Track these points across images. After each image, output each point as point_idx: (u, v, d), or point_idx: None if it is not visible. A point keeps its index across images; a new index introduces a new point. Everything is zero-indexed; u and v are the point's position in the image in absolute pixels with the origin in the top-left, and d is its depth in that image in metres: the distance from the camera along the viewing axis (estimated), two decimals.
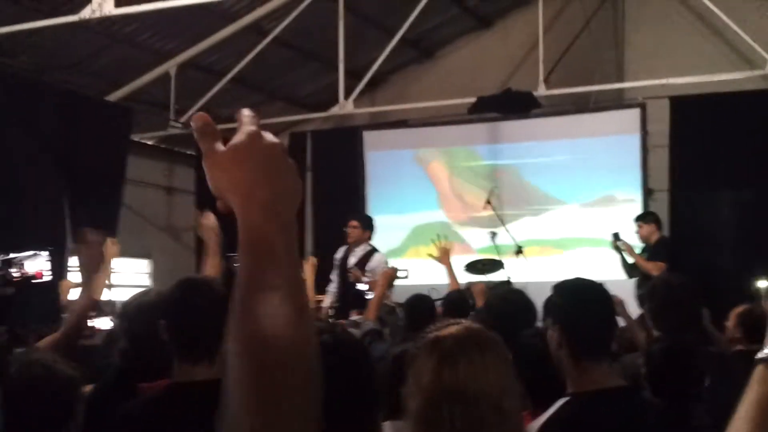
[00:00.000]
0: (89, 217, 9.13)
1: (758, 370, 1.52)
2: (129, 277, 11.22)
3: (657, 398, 3.36)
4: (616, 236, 8.83)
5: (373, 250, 8.65)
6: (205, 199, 8.14)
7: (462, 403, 1.88)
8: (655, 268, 8.14)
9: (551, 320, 2.88)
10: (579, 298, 2.85)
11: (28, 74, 9.27)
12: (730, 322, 5.34)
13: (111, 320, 5.24)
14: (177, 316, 2.79)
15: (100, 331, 5.28)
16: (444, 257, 6.12)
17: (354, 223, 8.72)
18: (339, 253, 8.73)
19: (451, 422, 1.86)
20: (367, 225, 8.82)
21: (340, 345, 1.54)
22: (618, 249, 8.82)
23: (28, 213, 8.59)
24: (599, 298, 2.86)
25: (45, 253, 4.12)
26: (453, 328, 2.02)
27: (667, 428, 2.82)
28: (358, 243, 8.63)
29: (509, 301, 4.07)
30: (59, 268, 8.85)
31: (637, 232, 8.91)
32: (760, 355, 1.53)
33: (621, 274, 8.66)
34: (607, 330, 2.87)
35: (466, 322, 2.09)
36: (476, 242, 10.41)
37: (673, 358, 3.39)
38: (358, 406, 1.52)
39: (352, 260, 8.54)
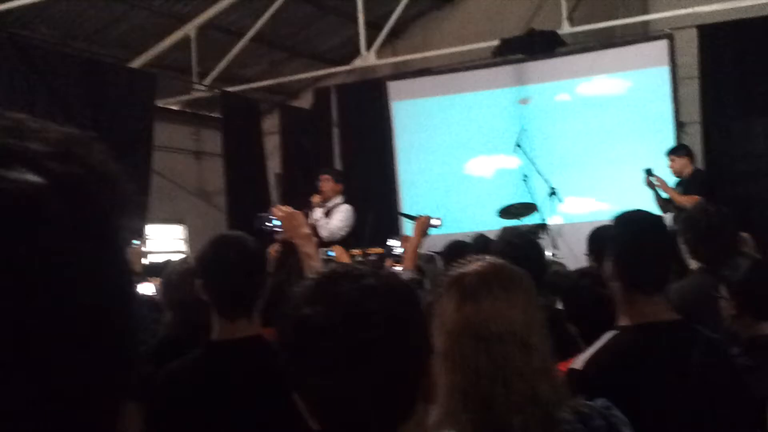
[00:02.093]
0: None
1: None
2: (164, 243, 11.29)
3: (741, 319, 3.29)
4: (648, 171, 8.68)
5: (341, 203, 8.58)
6: (233, 161, 8.12)
7: (486, 340, 1.84)
8: (690, 202, 8.02)
9: (607, 252, 2.81)
10: (634, 230, 2.76)
11: (50, 45, 9.24)
12: None
13: (153, 285, 5.26)
14: (212, 274, 2.76)
15: (144, 296, 5.30)
16: (419, 231, 5.41)
17: (326, 177, 8.65)
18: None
19: (475, 359, 1.83)
20: (339, 178, 8.77)
21: (386, 287, 1.47)
22: (651, 185, 8.68)
23: None
24: (655, 230, 2.78)
25: None
26: (476, 264, 1.98)
27: (718, 359, 2.74)
28: (330, 197, 8.57)
29: (514, 245, 3.93)
30: None
31: (670, 166, 8.77)
32: None
33: (655, 210, 8.54)
34: (661, 264, 2.76)
35: (490, 259, 2.04)
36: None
37: (756, 279, 3.31)
38: (408, 353, 1.45)
39: (318, 214, 8.48)
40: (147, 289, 5.29)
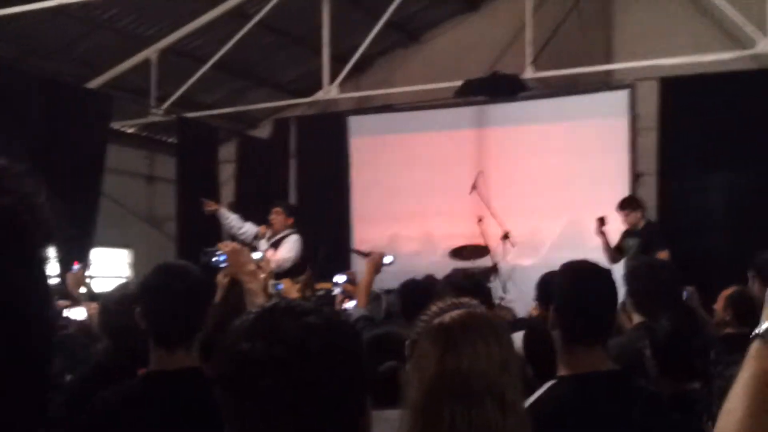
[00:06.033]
0: (67, 208, 8.94)
1: (754, 346, 1.47)
2: (109, 267, 11.06)
3: (664, 379, 3.29)
4: (601, 221, 8.70)
5: (290, 234, 8.61)
6: (186, 188, 8.00)
7: (465, 400, 1.81)
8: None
9: (552, 301, 2.81)
10: (576, 280, 2.76)
11: (7, 61, 9.09)
12: (719, 305, 5.25)
13: (84, 311, 5.11)
14: (154, 302, 2.71)
15: (74, 321, 5.15)
16: (371, 269, 5.34)
17: (277, 209, 8.68)
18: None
19: (452, 418, 1.80)
20: (291, 212, 8.81)
21: (328, 326, 1.42)
22: (602, 233, 8.70)
23: None
24: (599, 282, 2.74)
25: None
26: (456, 313, 1.94)
27: (657, 412, 2.72)
28: (280, 230, 8.59)
29: (463, 288, 3.84)
30: None
31: (624, 221, 8.77)
32: (756, 331, 1.48)
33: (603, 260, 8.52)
34: (603, 316, 2.75)
35: (469, 306, 2.00)
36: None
37: (677, 341, 3.32)
38: (348, 392, 1.42)
39: (264, 246, 8.50)
40: (78, 314, 5.11)
